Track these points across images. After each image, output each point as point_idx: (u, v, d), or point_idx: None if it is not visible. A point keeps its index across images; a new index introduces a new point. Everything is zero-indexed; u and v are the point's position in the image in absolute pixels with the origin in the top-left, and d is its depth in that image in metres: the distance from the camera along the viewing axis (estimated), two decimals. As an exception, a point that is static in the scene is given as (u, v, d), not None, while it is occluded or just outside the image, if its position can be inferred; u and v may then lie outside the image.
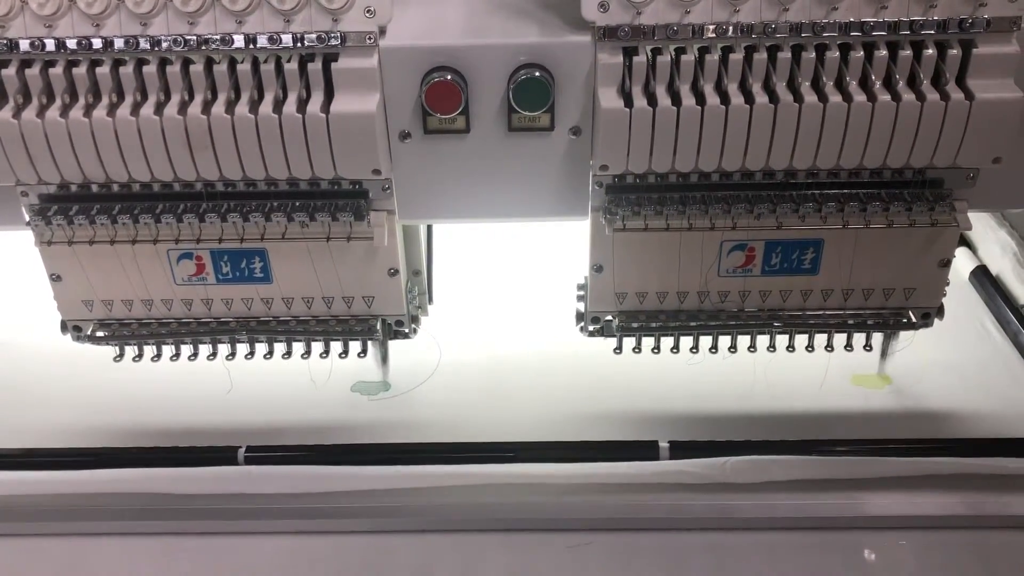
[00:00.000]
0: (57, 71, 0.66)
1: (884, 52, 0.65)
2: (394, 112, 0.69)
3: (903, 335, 0.84)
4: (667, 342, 0.83)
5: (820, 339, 0.83)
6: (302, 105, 0.67)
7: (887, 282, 0.77)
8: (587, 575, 0.75)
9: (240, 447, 0.83)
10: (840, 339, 0.82)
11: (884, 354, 0.86)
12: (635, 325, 0.80)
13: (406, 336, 0.82)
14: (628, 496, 0.79)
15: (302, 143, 0.67)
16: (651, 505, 0.79)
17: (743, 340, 0.82)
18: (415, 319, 0.83)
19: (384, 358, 0.86)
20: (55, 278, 0.78)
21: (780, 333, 0.81)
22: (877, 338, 0.84)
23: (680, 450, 0.81)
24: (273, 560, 0.78)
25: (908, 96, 0.65)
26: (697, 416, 0.89)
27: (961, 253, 1.10)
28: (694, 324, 0.80)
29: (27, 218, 0.73)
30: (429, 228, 0.86)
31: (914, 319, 0.80)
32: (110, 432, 0.88)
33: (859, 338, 0.83)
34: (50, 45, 0.65)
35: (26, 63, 0.66)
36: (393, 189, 0.73)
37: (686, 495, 0.79)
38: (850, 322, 0.80)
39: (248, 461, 0.82)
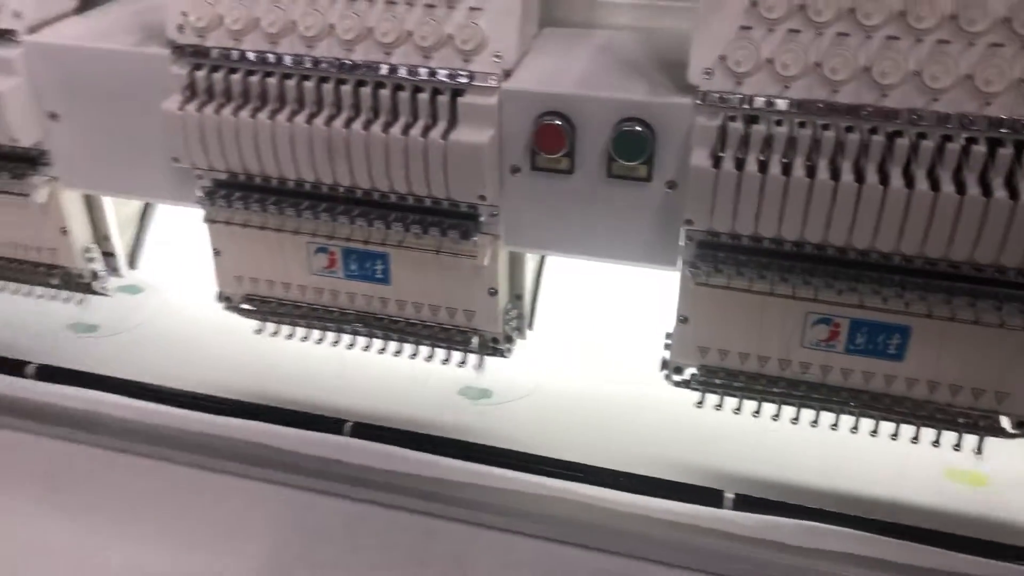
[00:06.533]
0: (237, 77, 0.79)
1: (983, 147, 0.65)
2: (508, 147, 0.76)
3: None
4: (749, 404, 0.84)
5: (906, 429, 0.81)
6: (426, 130, 0.75)
7: (976, 381, 0.75)
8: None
9: (347, 421, 0.92)
10: (928, 433, 0.80)
11: (979, 451, 0.82)
12: (717, 382, 0.82)
13: (501, 354, 0.89)
14: (674, 533, 0.81)
15: (421, 163, 0.76)
16: (693, 547, 0.81)
17: (826, 415, 0.82)
18: (510, 339, 0.89)
19: (479, 364, 0.93)
20: (216, 252, 0.91)
21: (862, 416, 0.81)
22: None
23: (745, 504, 0.82)
24: (348, 524, 0.87)
25: None
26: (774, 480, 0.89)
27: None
28: (775, 391, 0.81)
29: (199, 195, 0.87)
30: (542, 259, 0.92)
31: (1009, 428, 0.76)
32: (238, 391, 0.99)
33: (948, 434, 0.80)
34: (235, 56, 0.78)
35: (213, 68, 0.79)
36: (500, 216, 0.80)
37: (736, 546, 0.80)
38: (937, 416, 0.78)
39: (353, 434, 0.91)
